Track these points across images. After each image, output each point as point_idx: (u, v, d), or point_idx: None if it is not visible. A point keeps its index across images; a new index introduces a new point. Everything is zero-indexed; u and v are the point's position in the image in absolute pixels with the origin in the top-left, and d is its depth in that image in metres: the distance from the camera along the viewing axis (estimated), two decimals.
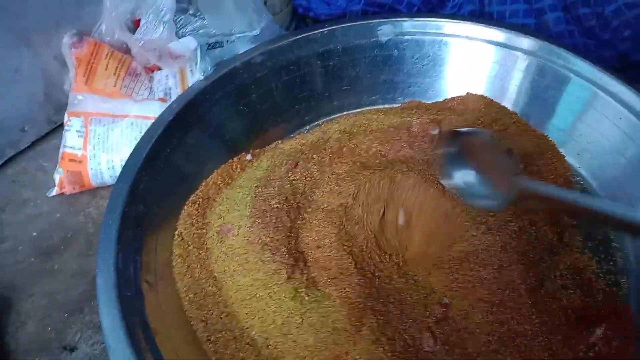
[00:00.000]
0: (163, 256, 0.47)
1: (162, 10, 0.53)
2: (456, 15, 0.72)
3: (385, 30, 0.64)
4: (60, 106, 0.67)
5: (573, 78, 0.57)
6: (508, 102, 0.63)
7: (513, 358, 0.41)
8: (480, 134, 0.50)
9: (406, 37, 0.65)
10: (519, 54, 0.61)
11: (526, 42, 0.60)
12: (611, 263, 0.49)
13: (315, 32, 0.63)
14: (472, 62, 0.65)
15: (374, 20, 0.65)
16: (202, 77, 0.55)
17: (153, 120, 0.57)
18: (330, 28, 0.63)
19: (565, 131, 0.59)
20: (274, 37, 0.62)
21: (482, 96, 0.65)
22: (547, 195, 0.41)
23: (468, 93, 0.66)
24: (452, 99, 0.66)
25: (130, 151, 0.56)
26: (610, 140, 0.54)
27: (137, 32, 0.55)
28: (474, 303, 0.44)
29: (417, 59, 0.66)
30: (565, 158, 0.58)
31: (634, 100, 0.52)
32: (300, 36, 0.62)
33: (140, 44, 0.55)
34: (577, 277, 0.46)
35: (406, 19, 0.65)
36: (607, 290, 0.46)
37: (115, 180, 0.58)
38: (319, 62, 0.64)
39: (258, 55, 0.60)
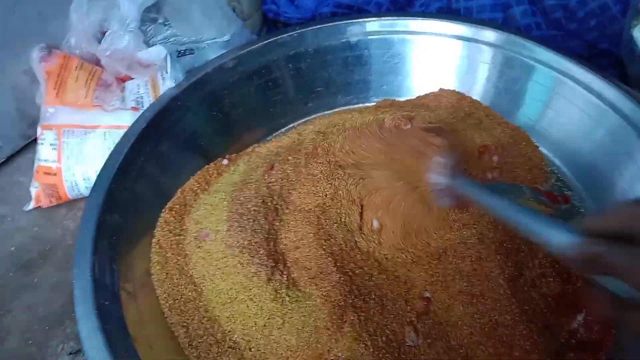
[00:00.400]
0: (141, 265, 0.47)
1: (126, 19, 0.53)
2: (423, 12, 0.73)
3: (354, 30, 0.65)
4: (33, 120, 0.66)
5: (537, 67, 0.58)
6: (477, 95, 0.65)
7: (495, 348, 0.41)
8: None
9: (375, 37, 0.66)
10: (484, 47, 0.62)
11: (490, 34, 0.62)
12: None
13: (285, 35, 0.63)
14: (440, 58, 0.66)
15: (342, 22, 0.66)
16: (173, 85, 0.55)
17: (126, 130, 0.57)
18: (300, 31, 0.64)
19: (535, 120, 0.60)
20: (245, 42, 0.63)
21: (454, 91, 0.66)
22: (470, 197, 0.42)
23: (440, 89, 0.67)
24: (426, 95, 0.67)
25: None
26: (579, 125, 0.55)
27: (102, 42, 0.56)
28: (455, 296, 0.45)
29: (387, 57, 0.67)
30: (539, 148, 0.60)
31: (598, 84, 0.53)
32: (269, 40, 0.63)
33: (107, 54, 0.55)
34: (556, 265, 0.46)
35: (374, 18, 0.66)
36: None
37: None
38: (290, 65, 0.64)
39: (229, 61, 0.60)
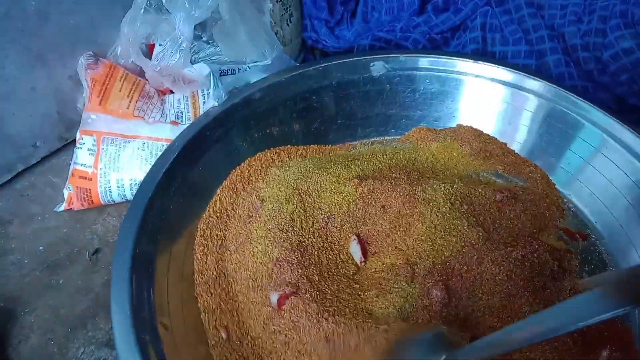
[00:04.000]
0: (177, 295, 0.47)
1: (180, 38, 0.55)
2: (457, 52, 0.75)
3: (378, 66, 0.67)
4: (71, 124, 0.68)
5: (586, 125, 0.59)
6: (517, 142, 0.66)
7: None
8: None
9: (398, 72, 0.68)
10: (530, 95, 0.64)
11: (533, 83, 0.63)
12: None
13: (310, 68, 0.65)
14: (466, 97, 0.68)
15: (366, 57, 0.68)
16: (216, 103, 0.57)
17: (164, 142, 0.59)
18: (325, 64, 0.66)
19: (571, 172, 0.61)
20: (270, 74, 0.64)
21: (471, 128, 0.68)
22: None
23: (458, 125, 0.69)
24: (444, 129, 0.69)
25: (141, 172, 0.58)
26: (615, 183, 0.56)
27: (153, 57, 0.57)
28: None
29: (408, 92, 0.69)
30: (559, 188, 0.61)
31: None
32: (295, 73, 0.64)
33: (157, 69, 0.57)
34: None
35: (398, 55, 0.68)
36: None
37: (124, 198, 0.60)
38: (314, 97, 0.66)
39: (256, 92, 0.61)
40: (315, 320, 0.43)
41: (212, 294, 0.48)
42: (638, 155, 0.54)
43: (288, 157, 0.63)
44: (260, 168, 0.60)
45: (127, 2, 0.62)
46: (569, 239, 0.56)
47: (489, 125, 0.67)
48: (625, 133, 0.56)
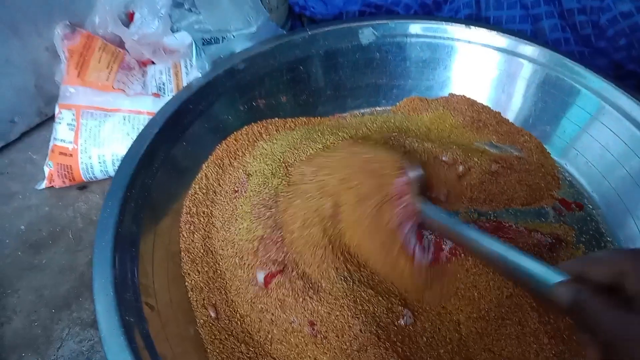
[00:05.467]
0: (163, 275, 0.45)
1: (158, 4, 0.52)
2: (449, 17, 0.72)
3: (367, 33, 0.64)
4: (51, 98, 0.66)
5: (581, 90, 0.58)
6: (511, 110, 0.64)
7: None
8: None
9: (388, 40, 0.66)
10: (524, 61, 0.62)
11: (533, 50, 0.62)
12: None
13: (296, 36, 0.63)
14: (458, 65, 0.66)
15: (354, 24, 0.65)
16: (199, 74, 0.54)
17: (146, 115, 0.57)
18: (311, 32, 0.63)
19: (567, 140, 0.59)
20: (256, 44, 0.62)
21: (464, 97, 0.66)
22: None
23: (451, 94, 0.67)
24: (436, 99, 0.67)
25: (122, 146, 0.56)
26: (612, 151, 0.55)
27: (131, 25, 0.55)
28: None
29: (400, 61, 0.67)
30: (554, 157, 0.60)
31: (637, 112, 0.53)
32: (281, 42, 0.62)
33: (135, 38, 0.54)
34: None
35: (387, 21, 0.65)
36: None
37: (106, 175, 0.58)
38: (301, 67, 0.64)
39: (240, 63, 0.59)
40: (301, 299, 0.43)
41: (199, 272, 0.47)
42: (636, 122, 0.53)
43: (276, 130, 0.61)
44: (247, 142, 0.58)
45: None
46: (565, 209, 0.55)
47: (482, 94, 0.65)
48: (622, 98, 0.54)
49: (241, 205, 0.50)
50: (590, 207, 0.55)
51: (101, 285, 0.39)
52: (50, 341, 0.47)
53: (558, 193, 0.56)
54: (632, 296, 0.29)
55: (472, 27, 0.63)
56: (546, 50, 0.60)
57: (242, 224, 0.49)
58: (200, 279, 0.46)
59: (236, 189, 0.52)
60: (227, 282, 0.47)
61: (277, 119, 0.62)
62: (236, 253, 0.47)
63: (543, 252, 0.49)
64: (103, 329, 0.37)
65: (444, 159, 0.55)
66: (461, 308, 0.45)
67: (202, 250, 0.48)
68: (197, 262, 0.48)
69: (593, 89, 0.57)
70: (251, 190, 0.51)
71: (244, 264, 0.46)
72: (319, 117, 0.65)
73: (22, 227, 0.56)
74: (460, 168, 0.55)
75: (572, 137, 0.59)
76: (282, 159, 0.54)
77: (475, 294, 0.45)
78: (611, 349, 0.28)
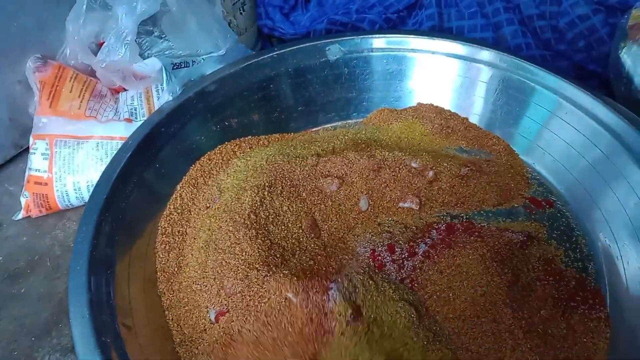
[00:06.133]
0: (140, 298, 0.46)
1: (123, 32, 0.53)
2: (412, 30, 0.74)
3: (333, 49, 0.66)
4: (26, 130, 0.66)
5: (538, 89, 0.60)
6: (474, 113, 0.66)
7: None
8: None
9: (355, 55, 0.67)
10: (483, 66, 0.64)
11: (490, 55, 0.63)
12: (577, 250, 0.52)
13: (265, 56, 0.64)
14: (423, 74, 0.68)
15: (321, 41, 0.67)
16: (170, 98, 0.55)
17: (118, 141, 0.58)
18: (279, 51, 0.65)
19: (530, 139, 0.61)
20: (226, 65, 0.63)
21: (432, 105, 0.68)
22: None
23: (419, 103, 0.69)
24: (405, 109, 0.69)
25: (97, 173, 0.56)
26: (574, 145, 0.57)
27: (99, 53, 0.56)
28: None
29: (367, 74, 0.69)
30: (521, 157, 0.62)
31: (595, 107, 0.55)
32: (250, 62, 0.63)
33: (103, 65, 0.55)
34: (548, 268, 0.49)
35: (353, 37, 0.67)
36: (578, 277, 0.48)
37: (82, 202, 0.58)
38: (271, 85, 0.65)
39: (210, 84, 0.60)
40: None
41: (173, 291, 0.47)
42: (594, 116, 0.55)
43: (250, 147, 0.62)
44: (221, 161, 0.59)
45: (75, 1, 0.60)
46: (535, 208, 0.56)
47: (447, 101, 0.67)
48: (580, 95, 0.56)
49: (209, 219, 0.51)
50: (560, 204, 0.56)
51: (77, 308, 0.39)
52: None
53: (528, 192, 0.58)
54: None
55: (434, 37, 0.65)
56: (502, 54, 0.62)
57: (205, 238, 0.49)
58: (175, 297, 0.47)
59: (208, 205, 0.53)
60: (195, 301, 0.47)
61: (250, 137, 0.63)
62: (197, 272, 0.48)
63: (515, 250, 0.50)
64: (80, 351, 0.37)
65: (414, 165, 0.56)
66: (437, 309, 0.46)
67: (175, 268, 0.49)
68: (172, 280, 0.48)
69: (548, 87, 0.59)
70: (223, 204, 0.52)
71: (201, 289, 0.47)
72: (292, 133, 0.66)
73: (0, 258, 0.57)
74: (431, 173, 0.56)
75: (535, 135, 0.60)
76: (256, 171, 0.55)
77: (450, 294, 0.46)
78: None
